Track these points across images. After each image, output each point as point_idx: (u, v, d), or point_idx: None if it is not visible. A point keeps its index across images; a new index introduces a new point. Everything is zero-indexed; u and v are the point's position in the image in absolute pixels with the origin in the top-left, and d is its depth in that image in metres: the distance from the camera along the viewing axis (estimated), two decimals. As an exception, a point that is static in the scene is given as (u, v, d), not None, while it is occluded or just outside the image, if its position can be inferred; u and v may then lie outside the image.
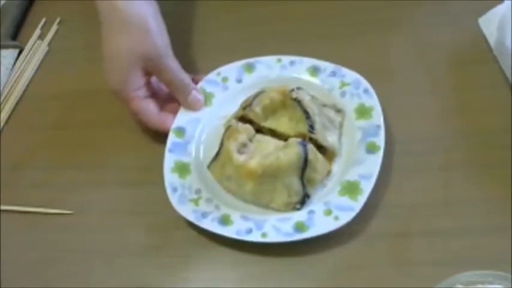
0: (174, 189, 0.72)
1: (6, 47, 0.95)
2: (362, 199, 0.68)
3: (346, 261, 0.67)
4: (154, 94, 0.79)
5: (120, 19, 0.76)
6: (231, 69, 0.81)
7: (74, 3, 0.98)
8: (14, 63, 0.93)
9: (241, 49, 0.85)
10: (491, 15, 0.79)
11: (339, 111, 0.76)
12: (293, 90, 0.73)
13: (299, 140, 0.70)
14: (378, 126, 0.73)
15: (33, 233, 0.76)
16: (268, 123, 0.74)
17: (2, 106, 0.88)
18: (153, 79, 0.79)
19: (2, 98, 0.89)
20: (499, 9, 0.78)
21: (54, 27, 0.97)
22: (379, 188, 0.69)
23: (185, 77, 0.78)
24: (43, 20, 0.99)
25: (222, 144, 0.72)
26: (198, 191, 0.72)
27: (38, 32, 0.97)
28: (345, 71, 0.78)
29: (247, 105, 0.74)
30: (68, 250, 0.74)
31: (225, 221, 0.69)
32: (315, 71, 0.79)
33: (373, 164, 0.70)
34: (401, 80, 0.79)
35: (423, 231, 0.67)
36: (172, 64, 0.77)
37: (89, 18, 0.96)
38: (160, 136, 0.77)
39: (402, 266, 0.66)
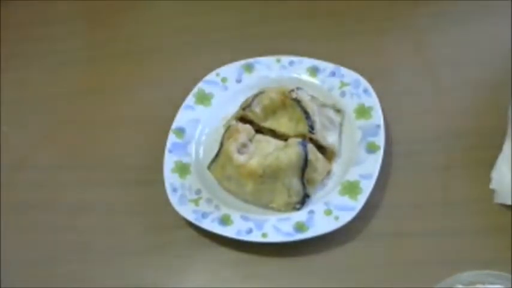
0: (174, 190, 0.72)
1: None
2: (362, 199, 0.68)
3: (346, 261, 0.67)
4: None
5: None
6: (230, 70, 0.81)
7: (74, 3, 0.98)
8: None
9: (241, 49, 0.85)
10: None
11: (338, 111, 0.76)
12: (293, 90, 0.73)
13: (299, 140, 0.70)
14: (378, 126, 0.73)
15: (33, 233, 0.76)
16: (268, 124, 0.74)
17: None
18: None
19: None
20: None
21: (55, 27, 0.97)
22: (379, 188, 0.69)
23: None
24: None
25: (222, 145, 0.72)
26: (198, 191, 0.72)
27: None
28: (345, 71, 0.78)
29: (246, 105, 0.74)
30: (68, 250, 0.74)
31: (225, 221, 0.69)
32: (314, 71, 0.79)
33: (373, 163, 0.70)
34: (401, 80, 0.79)
35: (423, 231, 0.67)
36: None
37: (89, 18, 0.97)
38: (160, 136, 0.77)
39: (402, 266, 0.66)
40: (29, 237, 0.76)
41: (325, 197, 0.70)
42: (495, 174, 0.67)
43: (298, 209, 0.70)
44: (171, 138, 0.77)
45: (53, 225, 0.76)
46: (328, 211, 0.68)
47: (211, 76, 0.81)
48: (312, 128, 0.72)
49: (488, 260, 0.63)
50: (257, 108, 0.74)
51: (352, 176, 0.70)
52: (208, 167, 0.73)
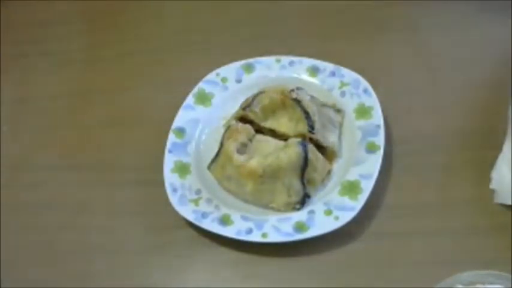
0: (174, 190, 0.72)
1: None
2: (362, 199, 0.68)
3: (346, 261, 0.67)
4: None
5: None
6: (230, 70, 0.81)
7: (74, 3, 0.98)
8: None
9: (241, 49, 0.85)
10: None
11: (338, 111, 0.76)
12: (293, 90, 0.73)
13: (299, 140, 0.70)
14: (378, 126, 0.73)
15: (33, 233, 0.76)
16: (268, 124, 0.74)
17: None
18: None
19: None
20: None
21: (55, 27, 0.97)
22: (379, 188, 0.69)
23: None
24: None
25: (221, 145, 0.72)
26: (198, 191, 0.72)
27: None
28: (345, 70, 0.78)
29: (246, 105, 0.74)
30: (68, 250, 0.74)
31: (225, 221, 0.69)
32: (314, 71, 0.79)
33: (373, 163, 0.70)
34: (401, 80, 0.79)
35: (423, 231, 0.67)
36: None
37: (89, 18, 0.97)
38: (160, 136, 0.77)
39: (402, 266, 0.66)
40: (29, 237, 0.76)
41: (325, 197, 0.70)
42: (495, 174, 0.67)
43: (298, 209, 0.70)
44: (171, 138, 0.77)
45: (53, 225, 0.76)
46: (328, 211, 0.68)
47: (211, 76, 0.81)
48: (312, 128, 0.72)
49: (488, 260, 0.63)
50: (257, 108, 0.74)
51: (352, 176, 0.70)
52: (208, 167, 0.73)
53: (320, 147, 0.72)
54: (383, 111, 0.74)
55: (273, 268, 0.68)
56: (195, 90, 0.80)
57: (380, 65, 0.81)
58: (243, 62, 0.82)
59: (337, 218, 0.67)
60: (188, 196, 0.72)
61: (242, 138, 0.71)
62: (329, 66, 0.79)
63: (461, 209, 0.68)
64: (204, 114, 0.79)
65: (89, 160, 0.81)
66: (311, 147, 0.70)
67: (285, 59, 0.81)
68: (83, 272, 0.72)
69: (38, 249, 0.74)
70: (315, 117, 0.72)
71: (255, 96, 0.75)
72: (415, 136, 0.74)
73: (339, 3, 0.88)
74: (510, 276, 0.55)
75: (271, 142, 0.72)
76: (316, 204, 0.69)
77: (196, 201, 0.72)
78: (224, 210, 0.70)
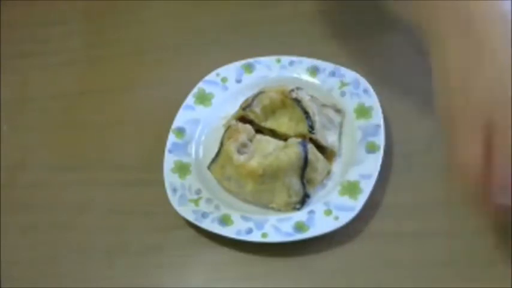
0: (174, 190, 0.72)
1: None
2: (362, 199, 0.68)
3: (346, 261, 0.67)
4: None
5: None
6: (230, 70, 0.81)
7: (74, 3, 0.98)
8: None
9: (241, 49, 0.85)
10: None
11: (338, 111, 0.76)
12: (293, 90, 0.74)
13: (299, 140, 0.70)
14: (378, 126, 0.73)
15: (33, 233, 0.76)
16: (268, 124, 0.74)
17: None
18: None
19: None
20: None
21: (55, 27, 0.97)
22: (379, 188, 0.69)
23: None
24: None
25: (222, 145, 0.72)
26: (198, 191, 0.72)
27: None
28: (345, 70, 0.78)
29: (246, 105, 0.74)
30: (68, 250, 0.74)
31: (225, 221, 0.69)
32: (314, 71, 0.79)
33: (373, 163, 0.70)
34: (401, 80, 0.79)
35: (423, 231, 0.67)
36: None
37: (89, 18, 0.97)
38: (160, 136, 0.77)
39: (402, 266, 0.66)
40: (29, 237, 0.76)
41: (325, 197, 0.70)
42: None
43: (298, 209, 0.70)
44: (171, 138, 0.77)
45: (53, 225, 0.76)
46: (328, 211, 0.68)
47: (211, 76, 0.81)
48: (312, 128, 0.72)
49: (488, 260, 0.63)
50: (257, 108, 0.74)
51: (352, 176, 0.70)
52: (208, 167, 0.73)
53: (320, 147, 0.72)
54: (383, 111, 0.74)
55: (273, 268, 0.68)
56: (195, 90, 0.80)
57: (380, 65, 0.81)
58: (243, 62, 0.82)
59: (337, 218, 0.67)
60: (188, 196, 0.72)
61: (242, 138, 0.71)
62: (329, 66, 0.79)
63: (461, 209, 0.68)
64: (204, 114, 0.79)
65: (89, 160, 0.81)
66: (311, 147, 0.70)
67: (285, 59, 0.81)
68: (83, 272, 0.72)
69: (38, 249, 0.74)
70: (315, 117, 0.72)
71: (255, 96, 0.75)
72: (415, 136, 0.74)
73: (339, 3, 0.88)
74: None
75: (271, 142, 0.72)
76: (316, 204, 0.69)
77: (196, 201, 0.72)
78: (224, 210, 0.70)
